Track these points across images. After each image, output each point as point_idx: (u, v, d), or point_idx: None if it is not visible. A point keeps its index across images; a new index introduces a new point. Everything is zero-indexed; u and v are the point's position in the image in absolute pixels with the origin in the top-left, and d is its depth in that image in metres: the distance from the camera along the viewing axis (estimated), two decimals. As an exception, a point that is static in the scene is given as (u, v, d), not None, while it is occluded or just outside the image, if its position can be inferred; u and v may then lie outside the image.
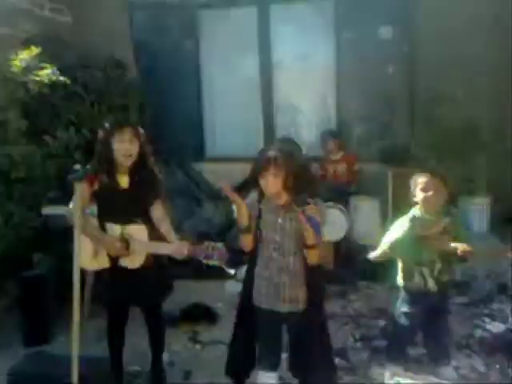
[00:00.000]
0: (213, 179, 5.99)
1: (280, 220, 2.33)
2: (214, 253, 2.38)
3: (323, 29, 5.80)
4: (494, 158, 5.34)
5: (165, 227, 2.60)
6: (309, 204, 2.21)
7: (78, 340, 2.34)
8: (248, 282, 2.46)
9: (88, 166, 2.53)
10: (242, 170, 5.82)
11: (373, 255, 2.96)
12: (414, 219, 2.75)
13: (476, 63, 5.25)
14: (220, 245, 2.41)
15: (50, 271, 3.56)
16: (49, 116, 4.28)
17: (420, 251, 2.74)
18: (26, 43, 3.98)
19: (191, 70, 6.07)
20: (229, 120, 6.23)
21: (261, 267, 2.41)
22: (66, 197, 3.91)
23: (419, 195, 2.75)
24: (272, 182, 2.25)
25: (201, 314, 3.78)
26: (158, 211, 2.66)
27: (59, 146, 3.72)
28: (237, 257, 4.58)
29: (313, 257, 2.31)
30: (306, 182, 2.37)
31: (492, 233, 5.28)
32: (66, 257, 3.58)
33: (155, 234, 2.58)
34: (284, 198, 2.32)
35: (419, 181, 2.75)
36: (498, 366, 3.05)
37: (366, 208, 5.02)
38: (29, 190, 3.51)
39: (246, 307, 2.46)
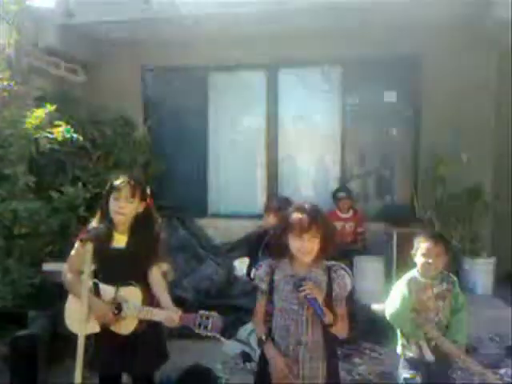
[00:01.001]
0: (215, 235, 6.00)
1: (293, 287, 2.20)
2: (207, 322, 2.26)
3: (330, 93, 6.00)
4: (497, 219, 5.36)
5: (160, 292, 2.49)
6: (306, 283, 2.12)
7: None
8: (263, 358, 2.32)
9: (102, 226, 2.44)
10: (242, 227, 5.91)
11: (376, 307, 2.89)
12: (410, 282, 2.72)
13: (479, 125, 5.40)
14: (214, 314, 2.28)
15: (44, 330, 3.45)
16: (55, 171, 4.35)
17: (414, 326, 2.68)
18: (40, 100, 4.11)
19: (199, 129, 6.22)
20: (233, 178, 6.32)
21: (277, 342, 2.25)
22: (67, 253, 3.93)
23: (419, 259, 2.72)
24: (309, 244, 2.16)
25: (199, 378, 3.62)
26: (154, 275, 2.55)
27: (64, 202, 3.73)
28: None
29: (337, 331, 2.19)
30: (334, 245, 2.27)
31: (495, 295, 5.20)
32: (60, 314, 3.55)
33: (149, 298, 2.48)
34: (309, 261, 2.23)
35: (422, 245, 2.73)
36: None
37: (370, 268, 4.98)
38: (31, 246, 3.49)
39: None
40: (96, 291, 2.48)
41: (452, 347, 2.63)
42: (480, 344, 4.15)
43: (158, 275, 2.54)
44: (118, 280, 2.45)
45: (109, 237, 2.49)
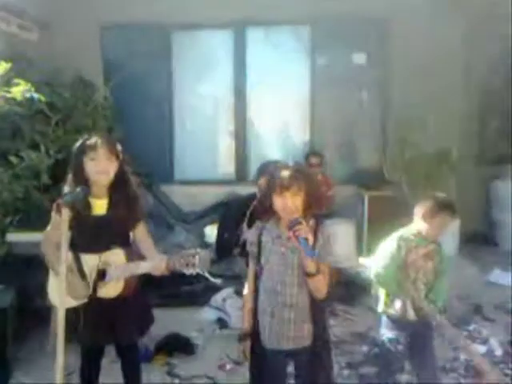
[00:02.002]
0: (182, 202, 5.87)
1: (283, 249, 2.18)
2: (194, 260, 2.18)
3: (299, 53, 5.85)
4: (462, 181, 5.49)
5: (147, 246, 2.44)
6: (301, 223, 2.07)
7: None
8: (252, 318, 2.29)
9: (79, 189, 2.23)
10: (212, 193, 5.80)
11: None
12: (400, 240, 2.71)
13: (448, 89, 5.44)
14: (199, 250, 2.22)
15: (11, 305, 3.27)
16: (12, 135, 4.05)
17: (403, 281, 2.69)
18: (-10, 59, 3.76)
19: (163, 92, 5.97)
20: (200, 142, 6.14)
21: (264, 302, 2.23)
22: (30, 222, 3.70)
23: (423, 223, 2.70)
24: (292, 202, 2.11)
25: (177, 346, 3.56)
26: (140, 233, 2.48)
27: (26, 168, 3.48)
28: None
29: (315, 287, 2.13)
30: (319, 202, 2.23)
31: (461, 255, 5.37)
32: (30, 288, 3.36)
33: (134, 258, 2.39)
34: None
35: (434, 214, 2.66)
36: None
37: (341, 231, 5.00)
38: (-8, 215, 3.26)
39: (255, 346, 2.27)
40: (78, 262, 2.35)
41: (430, 309, 2.65)
42: (448, 302, 4.29)
43: (143, 232, 2.48)
44: (100, 247, 2.34)
45: (86, 203, 2.33)
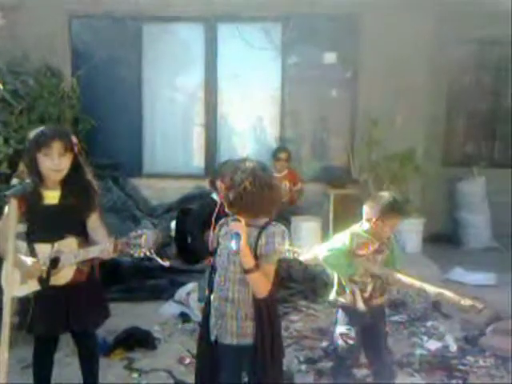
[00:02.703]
0: (150, 196, 5.82)
1: (225, 243, 2.21)
2: (140, 240, 2.21)
3: (270, 50, 5.85)
4: (427, 181, 5.60)
5: (100, 236, 2.45)
6: (237, 220, 2.14)
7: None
8: (204, 311, 2.32)
9: (28, 181, 2.25)
10: (180, 187, 5.77)
11: (304, 257, 2.89)
12: (353, 235, 2.75)
13: (414, 90, 5.52)
14: (145, 231, 2.26)
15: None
16: (-28, 124, 3.96)
17: (353, 268, 2.74)
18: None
19: (133, 84, 5.90)
20: (170, 136, 6.10)
21: (213, 296, 2.25)
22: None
23: (375, 222, 2.73)
24: (225, 200, 2.18)
25: (138, 340, 3.53)
26: (93, 223, 2.50)
27: (-16, 157, 3.41)
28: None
29: (253, 285, 2.13)
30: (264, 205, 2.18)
31: (424, 253, 5.49)
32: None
33: (86, 246, 2.40)
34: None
35: (385, 213, 2.69)
36: (437, 384, 3.11)
37: (307, 228, 5.04)
38: None
39: (205, 338, 2.28)
40: (32, 252, 2.36)
41: (384, 270, 2.70)
42: (408, 299, 4.39)
43: (97, 222, 2.50)
44: (53, 236, 2.35)
45: (38, 194, 2.34)
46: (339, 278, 2.81)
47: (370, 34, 5.57)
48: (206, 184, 5.59)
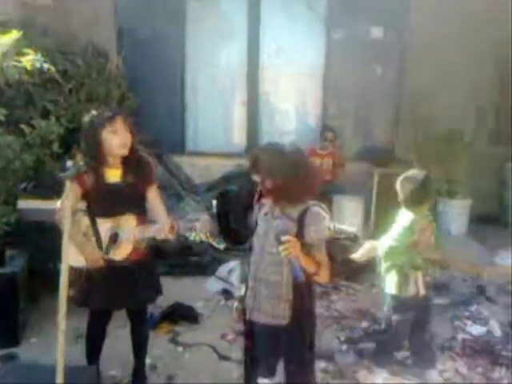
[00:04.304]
0: (192, 173, 5.90)
1: (266, 226, 2.21)
2: (196, 225, 2.34)
3: (314, 24, 5.75)
4: (475, 160, 5.41)
5: (159, 211, 2.55)
6: (289, 241, 2.03)
7: (63, 352, 2.19)
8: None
9: (81, 163, 2.39)
10: (222, 165, 5.81)
11: (356, 256, 2.91)
12: (414, 222, 2.73)
13: (463, 66, 5.29)
14: (201, 217, 2.38)
15: (23, 269, 3.39)
16: (24, 104, 4.09)
17: (415, 256, 2.73)
18: (2, 26, 3.76)
19: (176, 60, 5.93)
20: (212, 113, 6.12)
21: (250, 275, 2.29)
22: (42, 190, 3.77)
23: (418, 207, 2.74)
24: (262, 185, 2.17)
25: (182, 315, 3.66)
26: (152, 197, 2.58)
27: (37, 136, 3.53)
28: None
29: (321, 279, 2.19)
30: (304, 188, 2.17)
31: (470, 235, 5.35)
32: (41, 254, 3.46)
33: (145, 222, 2.52)
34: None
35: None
36: (480, 370, 3.08)
37: (349, 208, 5.01)
38: (4, 183, 3.33)
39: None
40: (94, 226, 2.48)
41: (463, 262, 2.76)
42: (453, 282, 4.32)
43: (156, 197, 2.59)
44: (115, 212, 2.47)
45: (100, 173, 2.46)
46: (402, 270, 2.79)
47: (419, 7, 5.34)
48: (246, 163, 5.65)
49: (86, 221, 2.50)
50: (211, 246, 4.81)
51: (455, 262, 2.99)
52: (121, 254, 2.49)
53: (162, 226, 2.38)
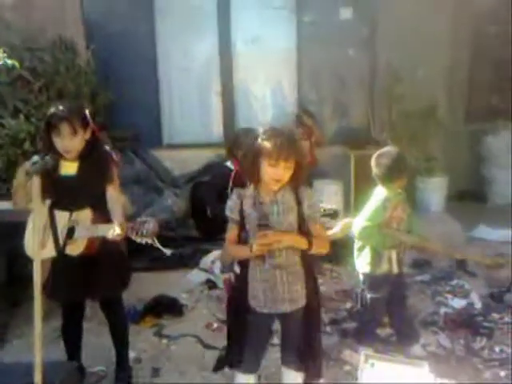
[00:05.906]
0: (171, 166, 5.85)
1: (266, 213, 2.16)
2: (143, 228, 2.29)
3: (284, 8, 5.69)
4: (450, 138, 5.46)
5: (115, 209, 2.53)
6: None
7: (40, 350, 2.17)
8: (241, 283, 2.27)
9: (48, 157, 2.38)
10: (200, 157, 5.77)
11: (333, 231, 2.94)
12: (386, 200, 2.75)
13: (436, 43, 5.30)
14: (149, 219, 2.35)
15: (1, 271, 3.34)
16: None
17: (389, 238, 2.76)
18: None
19: (147, 53, 5.82)
20: (187, 105, 6.06)
21: (254, 268, 2.21)
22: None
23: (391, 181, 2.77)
24: (284, 173, 2.09)
25: (165, 307, 3.65)
26: (110, 195, 2.57)
27: (7, 136, 3.46)
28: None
29: (318, 250, 2.20)
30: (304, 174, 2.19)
31: (448, 211, 5.42)
32: (20, 256, 3.41)
33: (103, 219, 2.49)
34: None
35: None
36: (462, 341, 3.14)
37: (328, 191, 5.03)
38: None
39: (240, 309, 2.29)
40: (51, 218, 2.49)
41: (418, 238, 2.85)
42: (433, 257, 4.38)
43: (114, 193, 2.57)
44: (72, 205, 2.47)
45: (57, 165, 2.47)
46: (375, 249, 2.82)
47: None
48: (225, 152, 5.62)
49: (45, 211, 2.50)
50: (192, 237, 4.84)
51: (464, 254, 3.05)
52: (76, 249, 2.47)
53: (113, 227, 2.35)
